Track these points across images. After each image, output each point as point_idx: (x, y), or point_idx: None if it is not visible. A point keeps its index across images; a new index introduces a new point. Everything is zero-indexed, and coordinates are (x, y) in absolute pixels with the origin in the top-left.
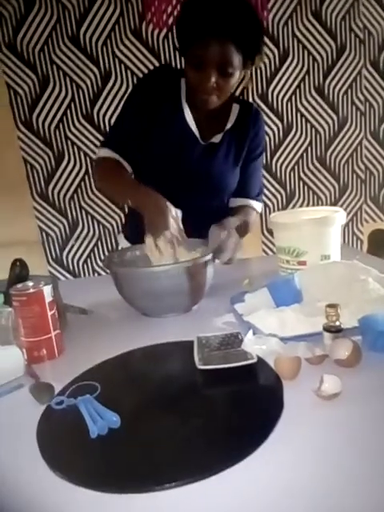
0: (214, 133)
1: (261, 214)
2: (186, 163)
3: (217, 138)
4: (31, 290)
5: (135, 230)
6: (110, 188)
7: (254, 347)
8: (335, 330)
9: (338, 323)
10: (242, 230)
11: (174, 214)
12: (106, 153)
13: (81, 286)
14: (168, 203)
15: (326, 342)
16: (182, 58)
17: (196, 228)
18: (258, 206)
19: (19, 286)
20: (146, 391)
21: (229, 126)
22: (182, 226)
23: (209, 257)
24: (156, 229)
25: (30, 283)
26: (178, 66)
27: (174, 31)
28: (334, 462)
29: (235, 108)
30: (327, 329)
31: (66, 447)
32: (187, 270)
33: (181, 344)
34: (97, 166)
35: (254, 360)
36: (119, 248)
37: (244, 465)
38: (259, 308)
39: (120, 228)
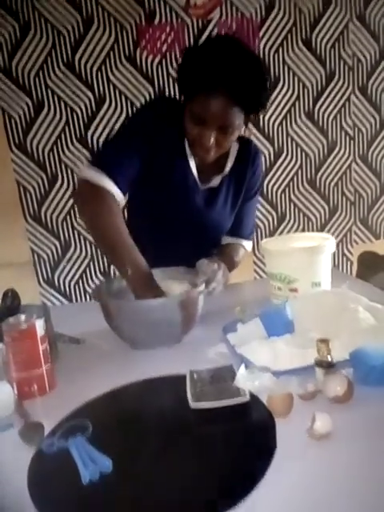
0: (213, 175)
1: (253, 238)
2: (185, 209)
3: (216, 182)
4: (23, 326)
5: None
6: (99, 238)
7: (246, 383)
8: (327, 365)
9: (329, 358)
10: (228, 267)
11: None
12: (94, 176)
13: (72, 311)
14: (151, 274)
15: (318, 376)
16: (180, 97)
17: (188, 263)
18: (248, 245)
19: (11, 320)
20: (138, 431)
21: (228, 168)
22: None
23: (200, 289)
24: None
25: (22, 317)
26: (172, 92)
27: (175, 71)
28: (327, 503)
29: (234, 147)
30: (319, 364)
31: (58, 495)
32: (179, 303)
33: (173, 379)
34: (81, 191)
35: (247, 398)
36: (107, 275)
37: (238, 509)
38: (251, 338)
39: None
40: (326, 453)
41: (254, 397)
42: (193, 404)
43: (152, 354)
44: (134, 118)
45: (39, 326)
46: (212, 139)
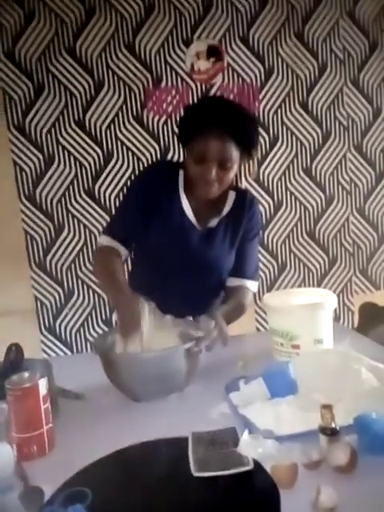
0: (211, 217)
1: None
2: (183, 249)
3: (213, 223)
4: (27, 384)
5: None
6: (100, 282)
7: (249, 450)
8: (331, 433)
9: (333, 424)
10: (237, 312)
11: (147, 311)
12: (105, 240)
13: (73, 363)
14: (142, 304)
15: (322, 444)
16: (183, 150)
17: (194, 304)
18: (253, 285)
19: (15, 378)
20: (138, 500)
21: (225, 212)
22: (159, 314)
23: (189, 344)
24: (126, 330)
25: (26, 375)
26: (176, 149)
27: (176, 125)
28: None
29: (231, 195)
30: (323, 431)
31: None
32: (183, 354)
33: (175, 442)
34: (97, 254)
35: (251, 466)
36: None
37: None
38: (254, 399)
39: None
40: None
41: (257, 464)
42: (196, 473)
43: (153, 410)
44: (131, 185)
45: (42, 384)
46: (214, 172)
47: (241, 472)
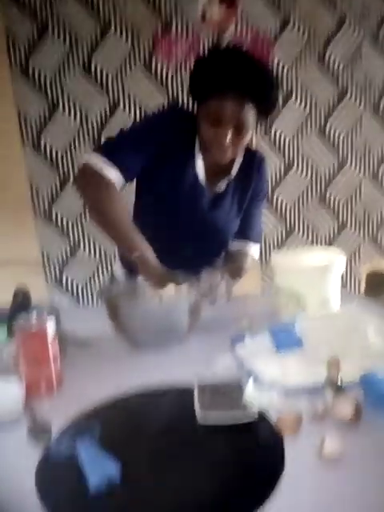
0: (219, 180)
1: (260, 249)
2: (191, 212)
3: (221, 187)
4: (35, 325)
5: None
6: (96, 217)
7: (255, 399)
8: (337, 386)
9: (339, 379)
10: (236, 275)
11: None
12: (95, 160)
13: (80, 314)
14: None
15: (327, 397)
16: (194, 105)
17: (198, 264)
18: (255, 249)
19: (23, 319)
20: (145, 441)
21: (233, 173)
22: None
23: (193, 296)
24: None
25: (34, 316)
26: (185, 102)
27: (189, 79)
28: None
29: (240, 153)
30: (329, 384)
31: (65, 497)
32: (188, 307)
33: (181, 389)
34: (82, 176)
35: (256, 415)
36: (114, 273)
37: None
38: (260, 352)
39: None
40: (334, 474)
41: (262, 414)
42: (201, 420)
43: (158, 359)
44: (150, 119)
45: (50, 326)
46: (228, 138)
47: (246, 420)
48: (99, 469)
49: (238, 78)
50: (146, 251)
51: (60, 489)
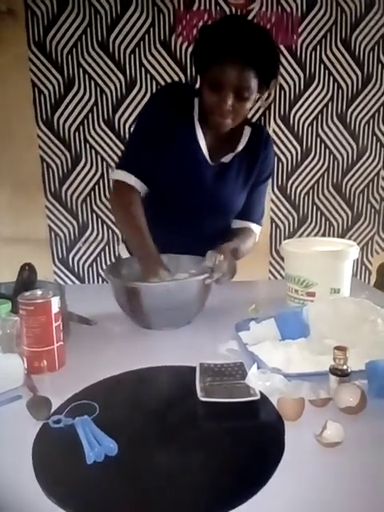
0: (225, 154)
1: (270, 236)
2: (196, 184)
3: (227, 159)
4: (39, 300)
5: None
6: (120, 223)
7: (257, 383)
8: (342, 374)
9: (345, 367)
10: (239, 254)
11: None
12: (120, 175)
13: (85, 293)
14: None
15: (331, 384)
16: (198, 76)
17: (204, 243)
18: (257, 230)
19: (27, 294)
20: (145, 418)
21: (240, 147)
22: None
23: (200, 277)
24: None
25: (39, 292)
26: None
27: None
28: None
29: (247, 130)
30: (334, 371)
31: (61, 471)
32: (193, 287)
33: (182, 369)
34: (114, 190)
35: (257, 397)
36: (120, 257)
37: (242, 508)
38: (264, 339)
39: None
40: (334, 461)
41: (264, 397)
42: (202, 398)
43: (162, 341)
44: (143, 111)
45: (54, 302)
46: (229, 102)
47: (247, 401)
48: (97, 444)
49: (240, 45)
50: (150, 251)
51: (56, 461)
